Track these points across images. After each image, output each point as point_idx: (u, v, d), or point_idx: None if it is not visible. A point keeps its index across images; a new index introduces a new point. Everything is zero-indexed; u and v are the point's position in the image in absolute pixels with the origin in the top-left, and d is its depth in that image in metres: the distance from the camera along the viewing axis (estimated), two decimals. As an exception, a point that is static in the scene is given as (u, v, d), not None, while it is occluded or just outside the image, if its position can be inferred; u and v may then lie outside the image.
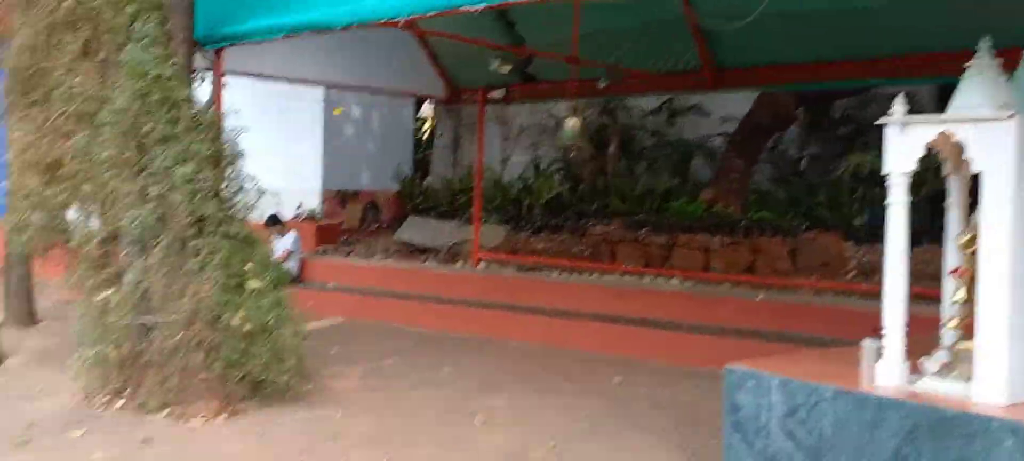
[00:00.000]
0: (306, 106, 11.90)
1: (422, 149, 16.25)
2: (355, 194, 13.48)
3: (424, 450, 4.79)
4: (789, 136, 12.94)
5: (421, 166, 15.61)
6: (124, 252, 5.71)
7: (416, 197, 13.72)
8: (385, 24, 5.36)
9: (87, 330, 5.67)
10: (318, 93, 11.95)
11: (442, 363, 7.10)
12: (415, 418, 5.45)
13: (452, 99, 10.20)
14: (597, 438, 5.12)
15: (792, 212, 11.26)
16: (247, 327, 5.43)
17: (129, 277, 5.59)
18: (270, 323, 5.50)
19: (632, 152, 12.89)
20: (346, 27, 5.40)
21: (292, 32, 5.78)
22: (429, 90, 10.23)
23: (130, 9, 5.51)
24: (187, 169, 5.48)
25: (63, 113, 5.72)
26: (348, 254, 10.94)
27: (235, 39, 6.15)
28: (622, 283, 8.72)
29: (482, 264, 9.66)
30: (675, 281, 8.54)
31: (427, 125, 16.47)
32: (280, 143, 11.84)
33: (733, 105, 12.19)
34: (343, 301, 9.38)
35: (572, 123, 7.71)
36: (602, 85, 7.88)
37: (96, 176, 5.75)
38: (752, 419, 4.02)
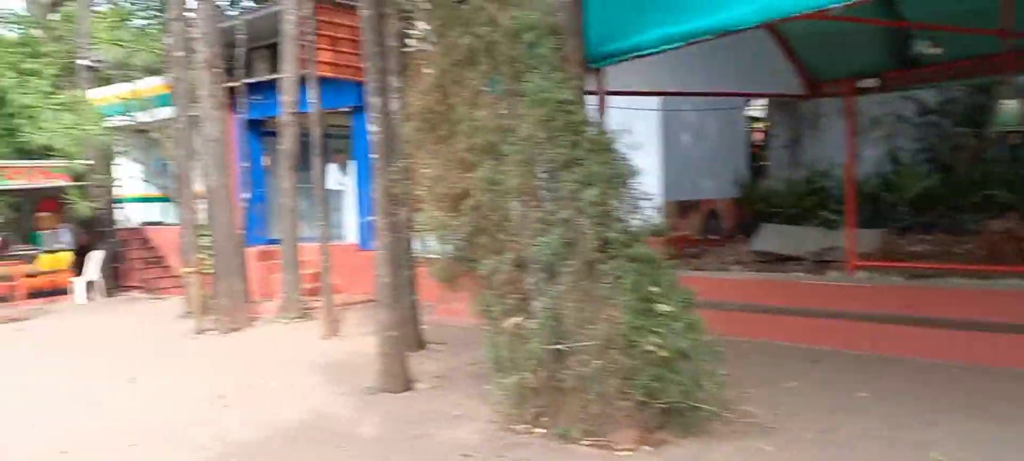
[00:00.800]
0: (643, 117, 11.69)
1: (756, 151, 15.43)
2: (695, 204, 13.04)
3: (894, 494, 4.19)
4: None
5: (757, 169, 14.82)
6: (530, 278, 5.76)
7: (757, 202, 12.98)
8: (803, 17, 4.85)
9: (502, 357, 5.78)
10: (654, 103, 11.69)
11: (852, 385, 6.40)
12: (859, 453, 4.86)
13: (811, 94, 9.42)
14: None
15: None
16: (663, 353, 5.19)
17: (539, 303, 5.60)
18: (686, 348, 5.22)
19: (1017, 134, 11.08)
20: (755, 26, 4.96)
21: (685, 40, 5.46)
22: (784, 88, 9.53)
23: (528, 37, 5.52)
24: (592, 192, 5.38)
25: (469, 146, 5.89)
26: (700, 267, 10.51)
27: (621, 55, 5.99)
28: (1055, 287, 7.39)
29: (860, 272, 8.74)
30: None
31: (759, 126, 15.66)
32: (622, 157, 11.75)
33: None
34: (707, 317, 8.91)
35: (1013, 105, 6.60)
36: (1034, 57, 6.71)
37: (501, 205, 5.88)
38: None
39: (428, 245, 6.65)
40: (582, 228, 5.40)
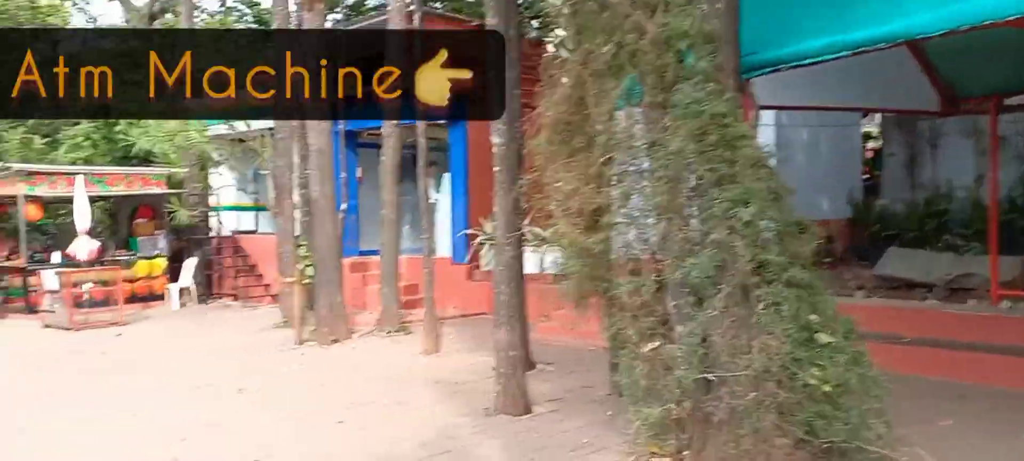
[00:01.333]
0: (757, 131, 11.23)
1: (867, 170, 14.74)
2: (808, 224, 12.43)
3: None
4: None
5: (869, 189, 14.13)
6: (672, 302, 5.41)
7: (872, 224, 12.33)
8: (990, 26, 4.41)
9: (639, 384, 5.43)
10: (769, 117, 11.18)
11: (1014, 425, 5.89)
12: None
13: (948, 111, 8.86)
14: None
15: None
16: (825, 387, 4.77)
17: (684, 328, 5.24)
18: (852, 383, 4.79)
19: None
20: (938, 36, 4.53)
21: (854, 50, 5.05)
22: (916, 104, 9.01)
23: (681, 45, 5.18)
24: (748, 211, 4.99)
25: (606, 160, 5.57)
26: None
27: (775, 65, 5.60)
28: None
29: (1005, 302, 8.12)
30: None
31: (871, 144, 14.97)
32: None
33: None
34: (832, 345, 8.40)
35: None
36: None
37: (641, 223, 5.55)
38: None
39: (554, 262, 6.36)
40: (736, 249, 5.02)
